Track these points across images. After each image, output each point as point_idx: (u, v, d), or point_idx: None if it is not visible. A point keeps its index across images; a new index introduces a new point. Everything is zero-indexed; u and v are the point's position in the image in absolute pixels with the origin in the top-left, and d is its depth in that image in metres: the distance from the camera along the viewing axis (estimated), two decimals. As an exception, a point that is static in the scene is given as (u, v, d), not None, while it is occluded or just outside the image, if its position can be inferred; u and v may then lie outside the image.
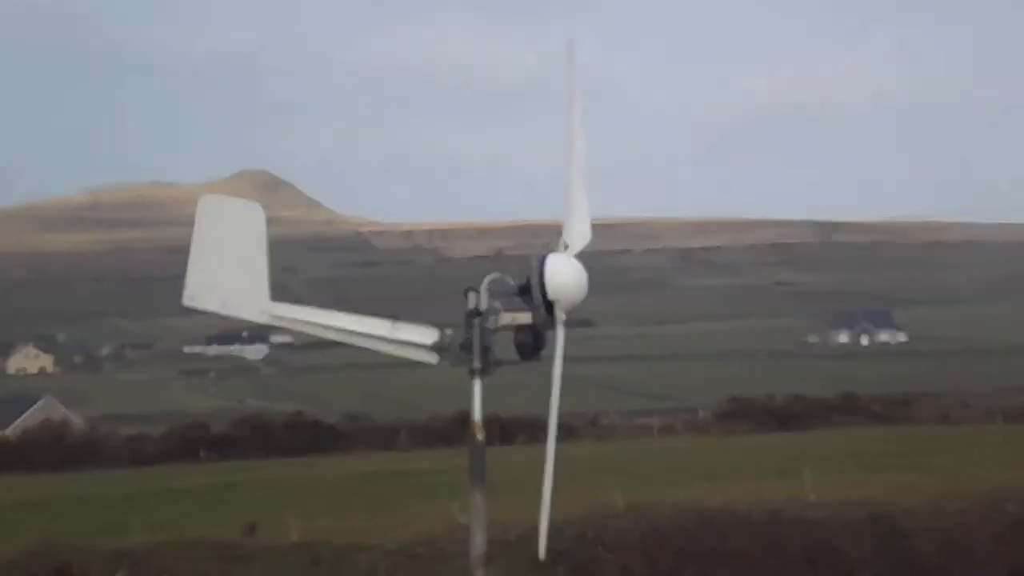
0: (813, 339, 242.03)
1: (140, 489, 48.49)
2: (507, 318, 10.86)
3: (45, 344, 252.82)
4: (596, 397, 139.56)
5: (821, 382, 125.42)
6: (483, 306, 10.78)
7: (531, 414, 78.81)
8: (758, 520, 23.03)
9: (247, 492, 44.98)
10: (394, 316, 11.12)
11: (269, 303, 10.86)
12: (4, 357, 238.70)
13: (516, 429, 78.45)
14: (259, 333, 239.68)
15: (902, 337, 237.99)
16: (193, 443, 76.15)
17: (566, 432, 73.81)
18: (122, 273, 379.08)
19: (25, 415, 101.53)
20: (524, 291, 10.87)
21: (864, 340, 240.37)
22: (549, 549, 11.50)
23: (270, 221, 10.96)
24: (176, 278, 11.27)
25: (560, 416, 11.13)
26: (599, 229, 11.81)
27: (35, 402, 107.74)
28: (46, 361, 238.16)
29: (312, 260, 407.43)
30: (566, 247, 11.02)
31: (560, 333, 10.85)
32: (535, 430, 73.72)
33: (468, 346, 10.78)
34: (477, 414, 10.86)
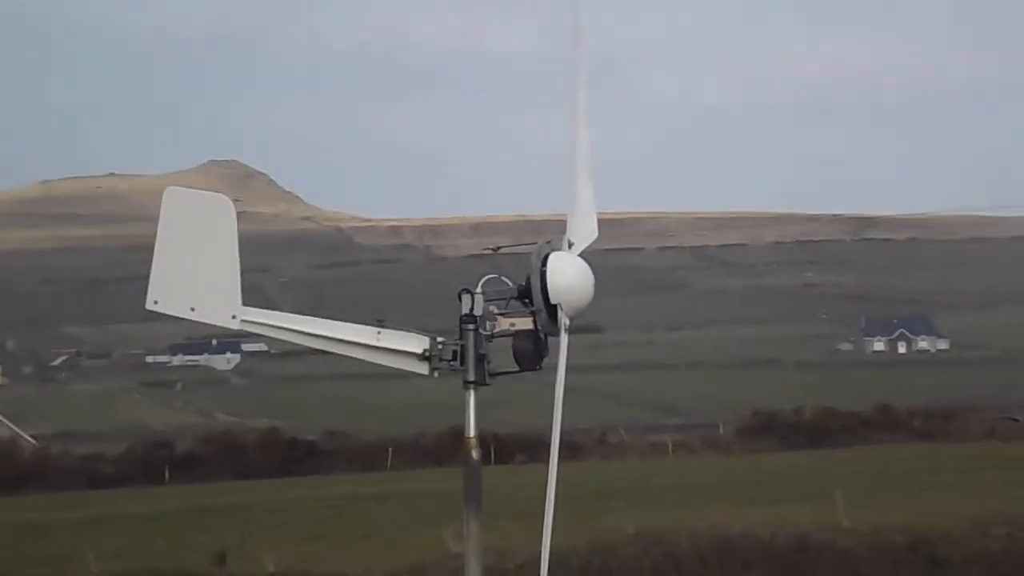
0: (845, 347, 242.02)
1: (97, 514, 48.43)
2: (505, 323, 10.86)
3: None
4: (604, 411, 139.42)
5: (854, 394, 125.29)
6: (478, 310, 10.79)
7: (532, 430, 78.76)
8: (784, 547, 23.04)
9: (216, 517, 44.94)
10: (380, 321, 11.12)
11: (241, 307, 10.87)
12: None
13: (515, 447, 78.45)
14: (230, 341, 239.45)
15: (943, 344, 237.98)
16: (156, 463, 76.08)
17: (570, 450, 73.78)
18: (77, 274, 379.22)
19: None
20: (524, 293, 10.88)
21: (901, 348, 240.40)
22: (552, 580, 11.51)
23: (242, 216, 10.98)
24: (138, 279, 11.28)
25: (564, 432, 11.13)
26: (606, 224, 11.82)
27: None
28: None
29: (289, 259, 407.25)
30: (570, 245, 11.03)
31: (564, 340, 10.85)
32: (536, 448, 73.67)
33: (462, 355, 10.79)
34: (472, 430, 10.86)
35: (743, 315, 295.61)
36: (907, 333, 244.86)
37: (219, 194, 11.03)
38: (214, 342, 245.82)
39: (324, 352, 11.40)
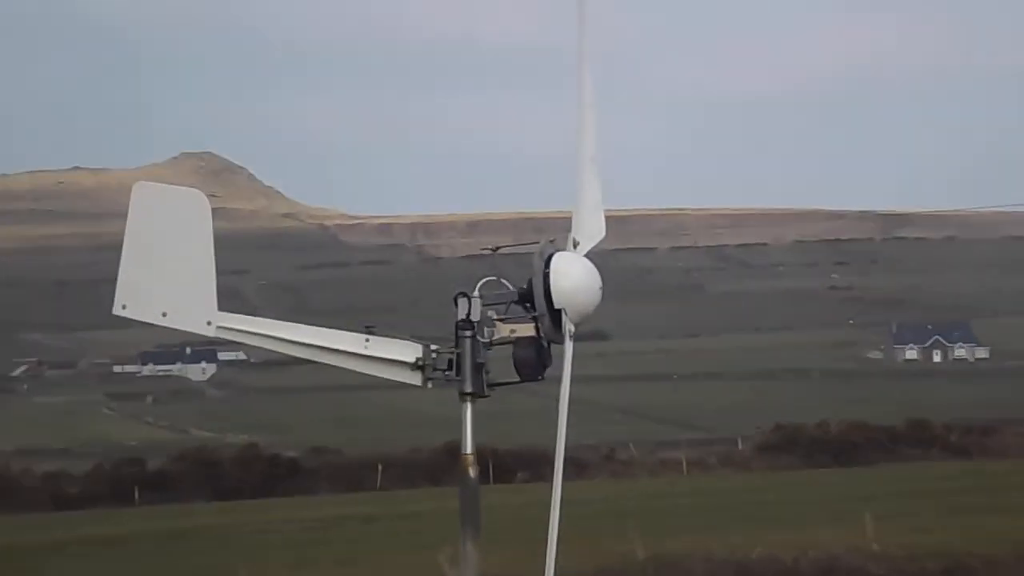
0: (875, 355, 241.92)
1: (60, 538, 48.43)
2: (505, 330, 10.86)
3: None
4: (612, 425, 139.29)
5: (885, 407, 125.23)
6: (476, 315, 10.79)
7: (534, 446, 78.73)
8: (809, 573, 23.05)
9: (191, 542, 44.94)
10: (368, 328, 11.12)
11: (217, 312, 10.87)
12: None
13: (516, 464, 78.47)
14: (205, 349, 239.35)
15: (982, 353, 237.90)
16: (125, 482, 76.08)
17: (576, 468, 73.73)
18: (39, 276, 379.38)
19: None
20: (525, 297, 10.88)
21: (936, 356, 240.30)
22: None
23: (218, 213, 10.98)
24: (105, 282, 11.29)
25: (569, 448, 11.13)
26: (615, 222, 11.84)
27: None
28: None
29: (269, 260, 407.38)
30: (576, 244, 11.04)
31: (568, 348, 10.85)
32: (538, 465, 73.65)
33: (458, 364, 10.79)
34: (469, 446, 10.86)
35: (763, 321, 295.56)
36: (943, 340, 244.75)
37: (193, 189, 11.04)
38: (188, 350, 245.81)
39: (308, 361, 11.40)
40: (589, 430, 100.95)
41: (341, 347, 11.04)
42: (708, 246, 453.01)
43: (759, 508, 44.37)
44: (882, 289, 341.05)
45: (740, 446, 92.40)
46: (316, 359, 11.16)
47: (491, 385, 10.90)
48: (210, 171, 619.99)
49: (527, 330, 10.85)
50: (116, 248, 10.82)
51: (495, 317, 10.96)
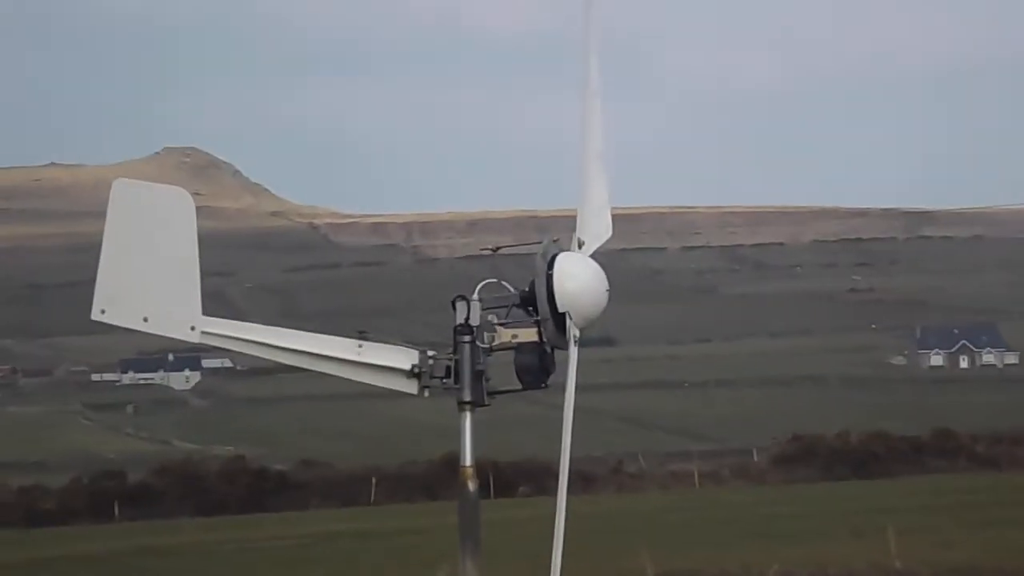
0: (898, 361, 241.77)
1: (36, 555, 48.44)
2: (506, 335, 10.88)
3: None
4: (620, 436, 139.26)
5: (908, 416, 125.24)
6: (475, 320, 10.80)
7: (537, 458, 78.75)
8: (828, 592, 23.05)
9: (173, 560, 44.94)
10: (362, 333, 11.14)
11: (201, 317, 10.88)
12: None
13: (518, 477, 78.54)
14: (188, 356, 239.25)
15: (1012, 358, 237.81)
16: (105, 497, 76.10)
17: (582, 481, 73.71)
18: (12, 278, 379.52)
19: None
20: (528, 301, 10.89)
21: (963, 362, 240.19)
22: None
23: (202, 212, 11.00)
24: (83, 285, 11.28)
25: (574, 460, 11.13)
26: (622, 221, 11.85)
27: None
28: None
29: (257, 261, 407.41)
30: (581, 244, 11.05)
31: (573, 354, 10.86)
32: (542, 478, 73.68)
33: (456, 371, 10.80)
34: (468, 458, 10.87)
35: (780, 325, 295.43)
36: (970, 345, 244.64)
37: (176, 187, 11.05)
38: (170, 357, 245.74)
39: (297, 369, 11.42)
40: (595, 441, 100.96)
41: (333, 354, 11.05)
42: (721, 246, 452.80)
43: (775, 523, 44.37)
44: (905, 291, 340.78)
45: (755, 458, 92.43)
46: (306, 366, 11.17)
47: (491, 393, 10.91)
48: (194, 167, 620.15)
49: (529, 335, 10.86)
50: (95, 249, 10.83)
51: (495, 321, 10.97)
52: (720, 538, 38.36)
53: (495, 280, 11.01)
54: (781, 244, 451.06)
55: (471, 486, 10.87)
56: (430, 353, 11.00)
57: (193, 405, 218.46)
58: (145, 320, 10.86)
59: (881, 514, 38.23)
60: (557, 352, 10.99)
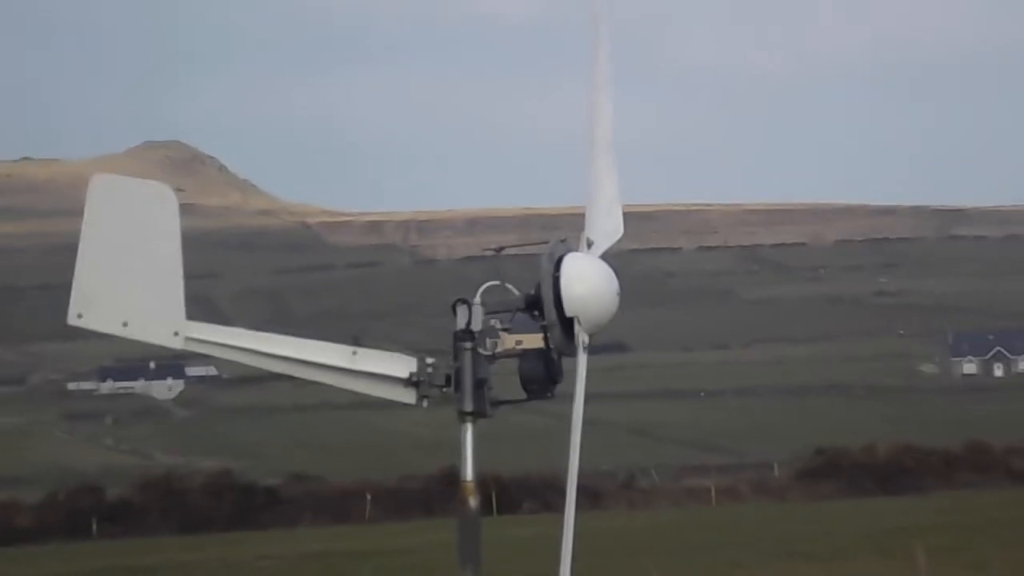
0: (928, 369, 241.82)
1: (8, 575, 48.49)
2: (510, 341, 10.87)
3: None
4: (631, 449, 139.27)
5: (939, 427, 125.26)
6: (477, 325, 10.81)
7: (542, 473, 78.78)
8: (853, 616, 23.04)
9: (155, 580, 44.98)
10: (356, 339, 11.14)
11: (185, 322, 10.89)
12: None
13: (522, 493, 78.57)
14: (171, 363, 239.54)
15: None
16: (82, 514, 76.16)
17: (591, 497, 73.75)
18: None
19: None
20: (532, 304, 10.89)
21: (998, 370, 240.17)
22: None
23: (186, 209, 11.02)
24: (59, 288, 11.30)
25: (582, 475, 11.13)
26: (634, 219, 11.85)
27: None
28: None
29: (244, 263, 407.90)
30: (589, 244, 11.05)
31: (582, 361, 10.86)
32: (547, 494, 73.69)
33: (457, 380, 10.81)
34: (469, 472, 10.87)
35: (802, 330, 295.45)
36: (1005, 352, 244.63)
37: (158, 182, 11.05)
38: (152, 365, 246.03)
39: (287, 377, 11.41)
40: (605, 454, 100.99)
41: (325, 361, 11.05)
42: (739, 246, 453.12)
43: (797, 542, 44.38)
44: (936, 294, 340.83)
45: (776, 472, 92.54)
46: (296, 374, 11.17)
47: (494, 403, 10.90)
48: (177, 162, 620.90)
49: (535, 341, 10.86)
50: (71, 249, 10.83)
51: (499, 327, 10.97)
52: (738, 558, 38.37)
53: (498, 282, 11.00)
54: (803, 244, 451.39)
55: (472, 502, 10.87)
56: (429, 360, 10.99)
57: (176, 416, 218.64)
58: (125, 325, 10.86)
59: (910, 533, 38.23)
60: (564, 360, 10.98)
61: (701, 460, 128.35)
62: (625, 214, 11.36)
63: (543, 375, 10.84)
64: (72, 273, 10.75)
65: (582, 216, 11.17)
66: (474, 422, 10.83)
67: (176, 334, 10.88)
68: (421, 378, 10.89)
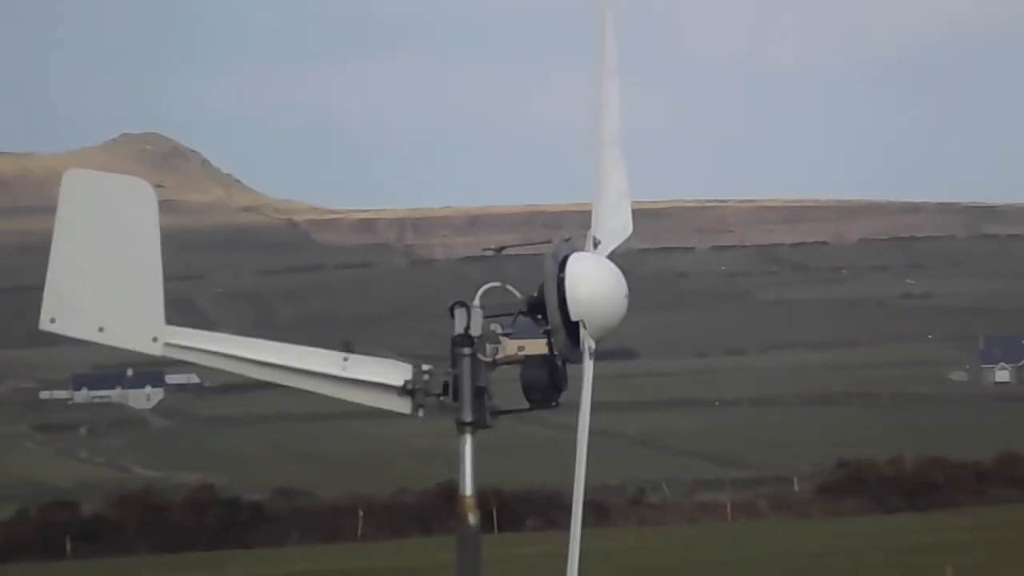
0: (958, 376, 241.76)
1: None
2: (511, 347, 10.89)
3: None
4: (641, 462, 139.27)
5: (970, 439, 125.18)
6: (476, 329, 10.81)
7: (546, 487, 78.76)
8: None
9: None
10: (347, 345, 11.16)
11: (164, 327, 10.90)
12: None
13: (524, 509, 78.54)
14: (150, 371, 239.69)
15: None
16: (56, 531, 76.16)
17: (598, 513, 73.74)
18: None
19: None
20: (536, 307, 10.90)
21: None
22: None
23: (166, 206, 11.01)
24: (31, 290, 11.30)
25: (589, 490, 11.14)
26: (644, 217, 11.87)
27: None
28: None
29: (228, 263, 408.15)
30: (596, 244, 11.06)
31: (588, 368, 10.87)
32: (551, 510, 73.67)
33: (455, 388, 10.81)
34: (468, 487, 10.87)
35: (823, 335, 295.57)
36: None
37: (136, 178, 11.06)
38: (129, 372, 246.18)
39: (274, 385, 11.42)
40: (613, 468, 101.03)
41: (314, 368, 11.06)
42: (756, 245, 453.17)
43: (819, 561, 44.43)
44: (966, 296, 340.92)
45: (796, 487, 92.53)
46: (284, 382, 11.18)
47: (495, 413, 10.91)
48: (156, 156, 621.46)
49: (538, 347, 10.87)
50: (43, 249, 10.84)
51: (499, 331, 10.97)
52: (755, 578, 38.39)
53: (499, 284, 11.01)
54: (824, 243, 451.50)
55: (472, 519, 10.87)
56: (425, 367, 10.99)
57: (155, 426, 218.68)
58: (101, 330, 10.86)
59: (939, 551, 38.25)
60: (570, 366, 10.99)
61: (715, 474, 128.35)
62: (634, 211, 11.37)
63: (547, 383, 10.85)
64: (45, 274, 10.76)
65: (588, 213, 11.18)
66: (473, 433, 10.83)
67: (155, 339, 10.89)
68: (417, 386, 10.89)
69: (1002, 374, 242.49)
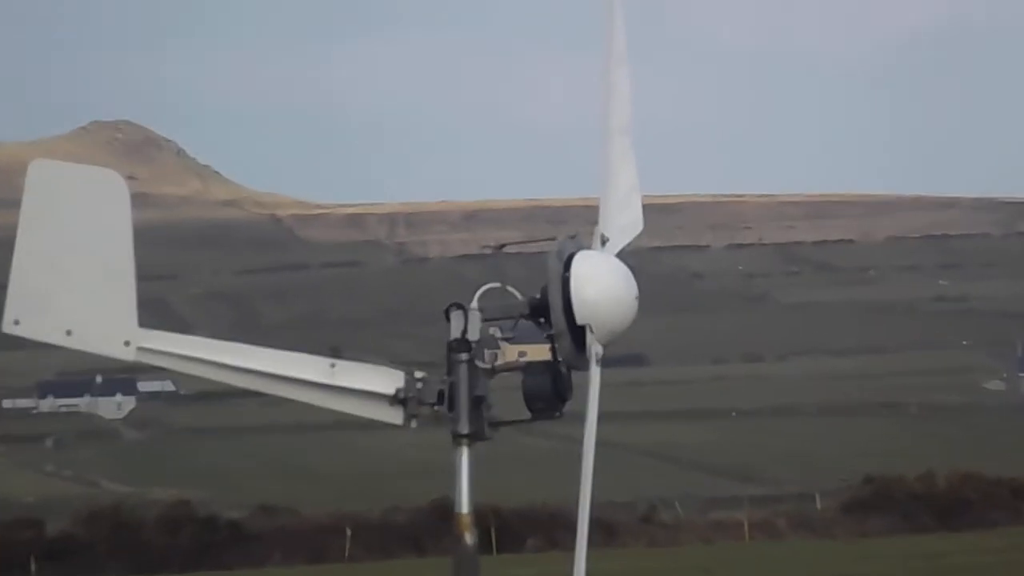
0: (994, 385, 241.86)
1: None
2: (512, 352, 10.90)
3: None
4: (652, 476, 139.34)
5: (1007, 453, 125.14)
6: (474, 333, 10.82)
7: (549, 504, 78.80)
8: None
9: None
10: (335, 350, 11.16)
11: (137, 330, 10.90)
12: None
13: (525, 528, 78.56)
14: (121, 378, 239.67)
15: None
16: (19, 550, 76.21)
17: (605, 532, 73.73)
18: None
19: None
20: (538, 310, 10.91)
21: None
22: None
23: (139, 199, 11.02)
24: (-8, 290, 11.31)
25: (595, 507, 11.15)
26: (655, 213, 11.89)
27: None
28: None
29: (205, 261, 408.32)
30: (603, 242, 11.06)
31: (595, 376, 10.88)
32: (554, 529, 73.69)
33: (451, 397, 10.82)
34: (465, 504, 10.88)
35: (849, 341, 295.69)
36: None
37: (106, 169, 11.07)
38: (99, 379, 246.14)
39: (255, 393, 11.43)
40: (621, 483, 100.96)
41: (299, 375, 11.06)
42: (776, 243, 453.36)
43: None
44: (1004, 299, 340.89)
45: (818, 505, 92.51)
46: (266, 390, 11.19)
47: (494, 424, 10.92)
48: (128, 145, 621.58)
49: (540, 352, 10.88)
50: (7, 245, 10.86)
51: (499, 336, 10.98)
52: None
53: (499, 285, 11.02)
54: (850, 241, 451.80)
55: (468, 538, 10.88)
56: (418, 374, 10.99)
57: (126, 437, 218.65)
58: (68, 334, 10.87)
59: (972, 573, 38.29)
60: (575, 374, 10.99)
61: (732, 490, 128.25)
62: (645, 206, 11.38)
63: (550, 391, 10.86)
64: (8, 273, 10.77)
65: (595, 209, 11.19)
66: (471, 446, 10.84)
67: (127, 343, 10.90)
68: (409, 395, 10.90)
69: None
